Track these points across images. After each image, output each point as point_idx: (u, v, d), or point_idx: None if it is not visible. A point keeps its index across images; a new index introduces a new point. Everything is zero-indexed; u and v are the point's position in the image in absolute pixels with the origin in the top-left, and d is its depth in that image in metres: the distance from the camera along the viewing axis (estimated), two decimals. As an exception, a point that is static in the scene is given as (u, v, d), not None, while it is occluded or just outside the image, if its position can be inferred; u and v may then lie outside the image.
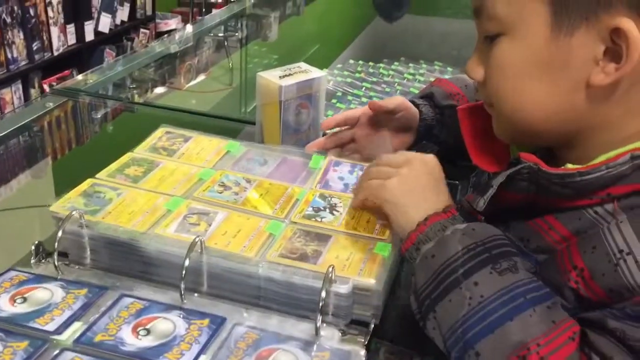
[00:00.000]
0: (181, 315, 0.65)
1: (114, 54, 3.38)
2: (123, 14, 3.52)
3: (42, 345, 0.60)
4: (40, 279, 0.69)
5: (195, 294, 0.69)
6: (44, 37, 2.95)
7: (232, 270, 0.68)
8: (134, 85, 1.50)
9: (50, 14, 2.97)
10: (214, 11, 2.62)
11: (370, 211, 0.75)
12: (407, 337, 0.69)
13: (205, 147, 0.91)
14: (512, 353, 0.53)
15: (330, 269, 0.64)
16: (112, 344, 0.60)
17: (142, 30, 3.71)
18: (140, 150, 0.89)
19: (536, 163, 0.61)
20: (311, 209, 0.77)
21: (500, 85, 0.64)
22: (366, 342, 0.64)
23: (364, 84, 1.47)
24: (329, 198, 0.80)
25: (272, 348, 0.61)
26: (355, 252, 0.69)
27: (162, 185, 0.81)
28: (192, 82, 1.80)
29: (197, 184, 0.81)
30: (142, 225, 0.72)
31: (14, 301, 0.65)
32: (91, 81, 1.33)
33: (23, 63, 2.85)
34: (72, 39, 3.15)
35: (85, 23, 3.20)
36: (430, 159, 0.71)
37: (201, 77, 1.87)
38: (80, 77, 1.38)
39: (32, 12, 2.86)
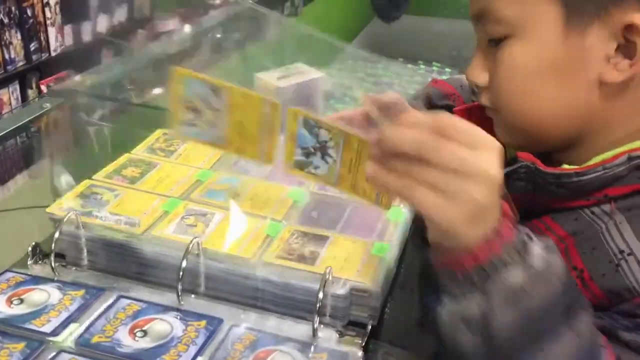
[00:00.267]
0: (178, 317, 0.64)
1: (112, 54, 3.37)
2: (121, 14, 3.51)
3: (39, 347, 0.59)
4: (37, 280, 0.69)
5: (193, 296, 0.68)
6: (42, 38, 2.94)
7: (229, 272, 0.68)
8: (132, 86, 1.49)
9: (48, 14, 2.97)
10: (212, 12, 2.61)
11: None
12: (405, 338, 0.69)
13: (203, 148, 0.91)
14: None
15: (328, 270, 0.64)
16: (109, 345, 0.60)
17: (140, 31, 3.71)
18: (138, 151, 0.89)
19: (533, 162, 0.61)
20: (300, 151, 0.67)
21: (509, 89, 0.63)
22: (364, 344, 0.64)
23: (362, 84, 1.47)
24: (316, 129, 0.66)
25: (269, 349, 0.61)
26: (353, 253, 0.69)
27: (160, 186, 0.80)
28: (190, 83, 1.79)
29: (195, 185, 0.81)
30: (139, 226, 0.72)
31: (11, 302, 0.65)
32: (89, 82, 1.33)
33: (20, 64, 2.84)
34: (69, 40, 3.15)
35: (83, 24, 3.19)
36: (495, 171, 0.49)
37: (199, 78, 1.87)
38: (78, 78, 1.37)
39: (29, 12, 2.85)
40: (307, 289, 0.65)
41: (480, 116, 0.72)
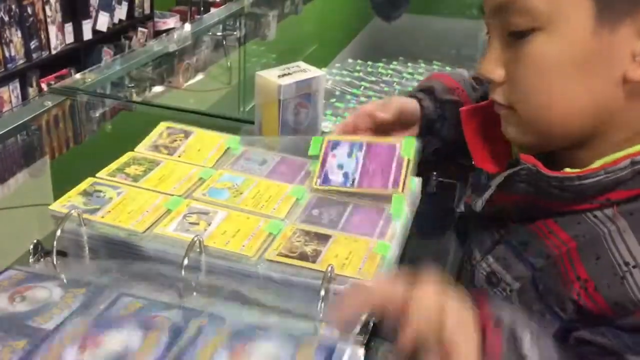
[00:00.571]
0: (180, 314, 0.64)
1: (112, 52, 3.37)
2: (121, 12, 3.51)
3: (41, 344, 0.59)
4: (39, 277, 0.69)
5: (194, 293, 0.69)
6: (42, 36, 2.95)
7: (231, 270, 0.68)
8: (132, 84, 1.49)
9: (48, 12, 2.97)
10: (213, 10, 2.62)
11: None
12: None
13: (206, 143, 0.91)
14: None
15: (330, 268, 0.64)
16: (111, 342, 0.60)
17: (140, 29, 3.71)
18: (141, 148, 0.89)
19: (535, 165, 0.60)
20: None
21: (532, 83, 0.61)
22: (365, 341, 0.64)
23: (362, 83, 1.48)
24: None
25: (270, 347, 0.61)
26: (355, 252, 0.69)
27: (162, 184, 0.81)
28: (191, 81, 1.80)
29: (197, 183, 0.81)
30: (142, 224, 0.72)
31: (13, 300, 0.65)
32: (89, 80, 1.33)
33: (21, 62, 2.85)
34: (70, 38, 3.15)
35: (83, 22, 3.19)
36: (465, 312, 0.53)
37: (199, 76, 1.87)
38: (78, 76, 1.37)
39: (30, 10, 2.85)
40: (308, 287, 0.65)
41: (484, 117, 0.71)
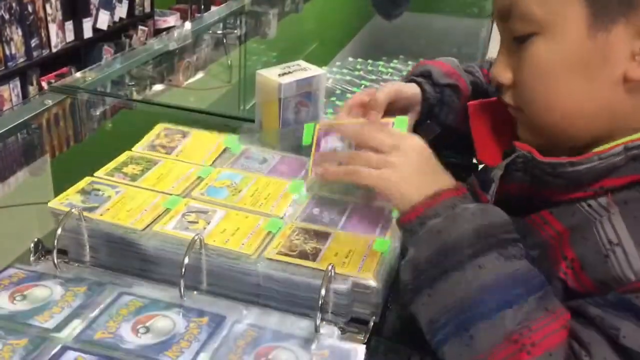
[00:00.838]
0: (180, 313, 0.65)
1: (113, 51, 3.37)
2: (121, 11, 3.51)
3: (42, 343, 0.60)
4: (40, 276, 0.69)
5: (195, 292, 0.69)
6: (42, 34, 2.94)
7: (231, 268, 0.68)
8: (133, 83, 1.49)
9: (49, 10, 2.97)
10: (213, 8, 2.62)
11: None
12: (407, 335, 0.69)
13: (204, 143, 0.91)
14: (504, 338, 0.53)
15: (330, 267, 0.64)
16: (112, 341, 0.60)
17: (140, 27, 3.71)
18: (139, 148, 0.89)
19: (530, 152, 0.61)
20: None
21: (535, 86, 0.63)
22: (366, 340, 0.64)
23: (362, 81, 1.47)
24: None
25: (271, 346, 0.61)
26: (355, 249, 0.69)
27: (161, 183, 0.80)
28: (191, 80, 1.80)
29: (196, 182, 0.81)
30: (141, 222, 0.72)
31: (14, 299, 0.65)
32: (89, 78, 1.33)
33: (21, 60, 2.85)
34: (70, 36, 3.15)
35: (84, 20, 3.19)
36: (418, 142, 0.69)
37: (200, 75, 1.87)
38: (78, 74, 1.37)
39: (30, 8, 2.85)
40: (309, 286, 0.65)
41: (493, 113, 0.72)
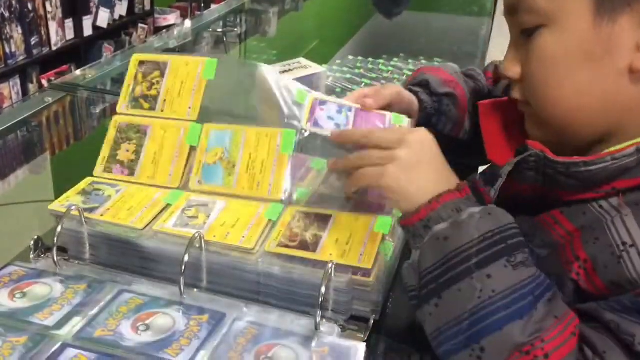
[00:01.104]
0: (180, 311, 0.65)
1: (113, 49, 3.37)
2: (121, 8, 3.51)
3: (42, 340, 0.60)
4: (40, 274, 0.69)
5: (195, 290, 0.69)
6: (42, 32, 2.94)
7: (231, 266, 0.68)
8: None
9: (49, 8, 2.97)
10: (213, 6, 2.61)
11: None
12: (407, 333, 0.69)
13: (184, 78, 0.85)
14: (516, 350, 0.53)
15: (330, 265, 0.64)
16: (112, 339, 0.60)
17: (140, 25, 3.70)
18: (122, 107, 0.85)
19: (542, 151, 0.61)
20: None
21: (541, 79, 0.63)
22: (366, 338, 0.64)
23: (363, 80, 1.47)
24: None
25: (271, 343, 0.61)
26: (355, 233, 0.69)
27: (159, 168, 0.79)
28: (191, 78, 1.79)
29: (191, 155, 0.79)
30: (141, 220, 0.72)
31: (13, 296, 0.65)
32: (90, 76, 1.33)
33: (21, 58, 2.85)
34: (70, 34, 3.15)
35: (84, 18, 3.19)
36: (425, 135, 0.66)
37: (200, 73, 1.86)
38: (78, 72, 1.37)
39: (30, 6, 2.85)
40: (309, 283, 0.65)
41: (504, 112, 0.72)
